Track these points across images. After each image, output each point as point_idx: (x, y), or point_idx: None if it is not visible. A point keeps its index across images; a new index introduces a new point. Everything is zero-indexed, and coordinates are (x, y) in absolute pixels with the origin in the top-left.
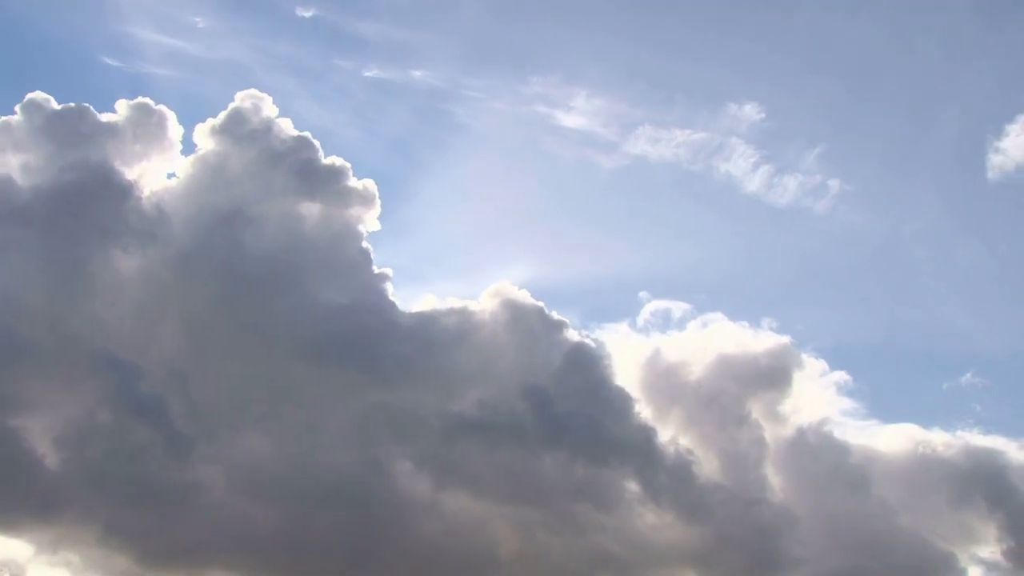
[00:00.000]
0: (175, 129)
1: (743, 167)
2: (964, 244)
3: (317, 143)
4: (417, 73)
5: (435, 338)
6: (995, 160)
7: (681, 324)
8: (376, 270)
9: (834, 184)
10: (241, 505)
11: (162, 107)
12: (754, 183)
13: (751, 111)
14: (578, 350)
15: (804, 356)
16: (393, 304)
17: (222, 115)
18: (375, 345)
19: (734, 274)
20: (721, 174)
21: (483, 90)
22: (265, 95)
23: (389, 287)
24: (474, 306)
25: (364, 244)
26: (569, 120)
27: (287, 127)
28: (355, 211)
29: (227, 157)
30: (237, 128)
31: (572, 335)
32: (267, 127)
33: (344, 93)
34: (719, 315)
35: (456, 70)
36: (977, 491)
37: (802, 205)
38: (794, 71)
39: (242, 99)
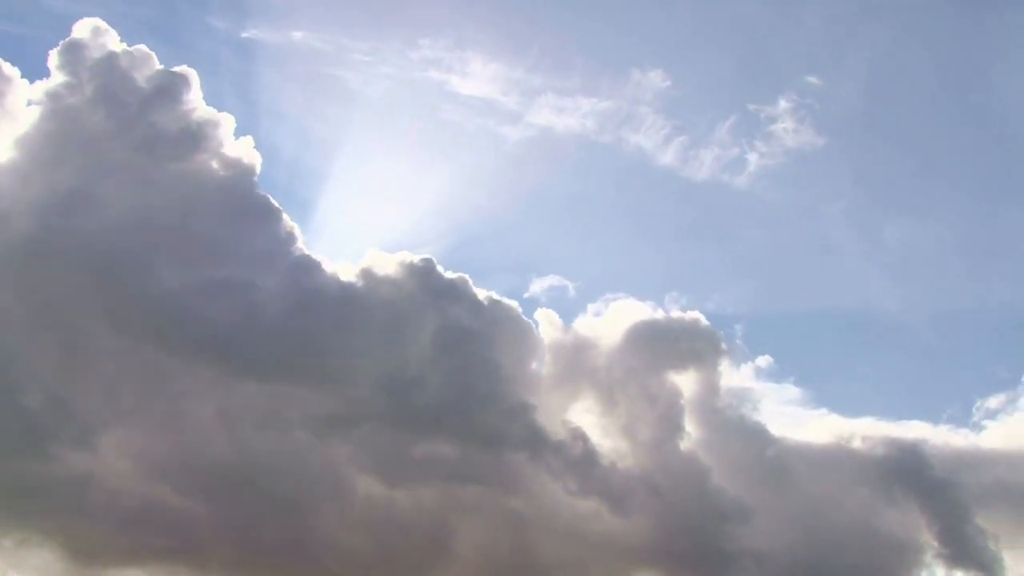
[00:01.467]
0: (20, 91)
1: (655, 139)
2: (889, 222)
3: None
4: (297, 35)
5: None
6: None
7: (582, 303)
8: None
9: (752, 158)
10: (137, 500)
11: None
12: (667, 156)
13: (656, 78)
14: (461, 325)
15: (721, 336)
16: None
17: (55, 55)
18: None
19: (646, 252)
20: (632, 146)
21: (370, 53)
22: (107, 26)
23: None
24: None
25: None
26: (466, 87)
27: (145, 62)
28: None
29: (70, 113)
30: (78, 76)
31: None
32: (121, 68)
33: (218, 56)
34: (626, 293)
35: (339, 32)
36: (899, 477)
37: (720, 180)
38: (697, 37)
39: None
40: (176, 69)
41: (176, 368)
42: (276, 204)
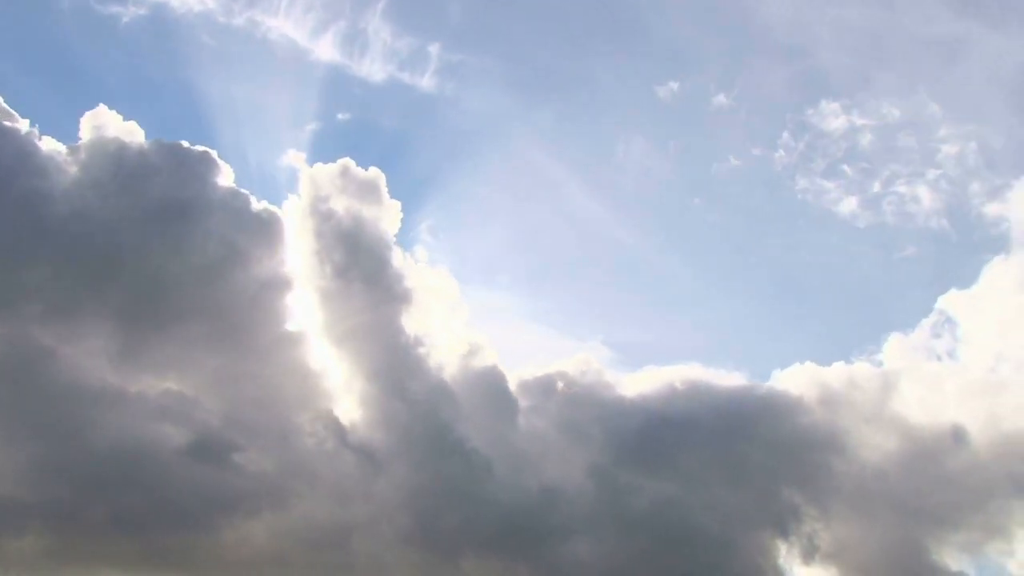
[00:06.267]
0: None
1: (305, 25)
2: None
3: None
4: None
5: None
6: None
7: None
8: None
9: (434, 50)
10: None
11: None
12: (327, 48)
13: None
14: None
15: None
16: None
17: None
18: None
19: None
20: (276, 33)
21: None
22: None
23: None
24: None
25: None
26: None
27: None
28: None
29: None
30: None
31: None
32: None
33: None
34: None
35: None
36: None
37: (399, 80)
38: None
39: None
40: None
41: None
42: None
